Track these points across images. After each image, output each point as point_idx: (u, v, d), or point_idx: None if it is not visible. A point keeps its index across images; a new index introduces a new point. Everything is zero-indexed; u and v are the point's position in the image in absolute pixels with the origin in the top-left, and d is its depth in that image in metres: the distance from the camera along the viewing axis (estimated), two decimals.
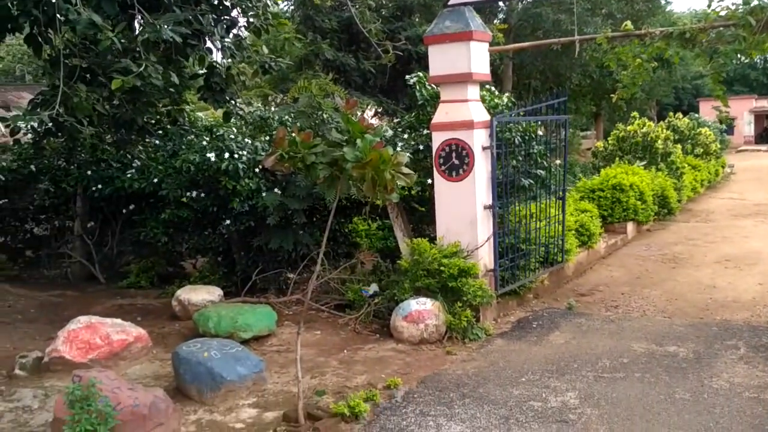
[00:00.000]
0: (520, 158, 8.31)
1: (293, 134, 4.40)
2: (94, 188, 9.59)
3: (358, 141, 4.18)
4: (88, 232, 10.48)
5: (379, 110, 16.28)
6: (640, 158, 16.36)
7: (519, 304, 8.12)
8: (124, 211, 10.14)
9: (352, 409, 4.87)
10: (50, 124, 8.86)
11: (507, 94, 9.19)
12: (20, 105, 13.55)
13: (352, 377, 5.84)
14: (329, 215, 4.95)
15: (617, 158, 16.19)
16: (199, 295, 7.83)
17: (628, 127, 17.62)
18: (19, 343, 6.86)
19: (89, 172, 9.67)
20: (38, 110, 7.48)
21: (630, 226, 12.43)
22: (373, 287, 7.81)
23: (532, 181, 8.40)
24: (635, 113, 19.11)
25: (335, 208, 4.94)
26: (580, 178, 14.45)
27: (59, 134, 9.45)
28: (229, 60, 9.34)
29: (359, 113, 6.69)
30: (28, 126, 8.73)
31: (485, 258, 7.45)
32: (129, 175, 9.27)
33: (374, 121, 13.95)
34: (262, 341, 6.87)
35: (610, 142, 17.97)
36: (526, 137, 8.33)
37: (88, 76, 8.25)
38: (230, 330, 6.63)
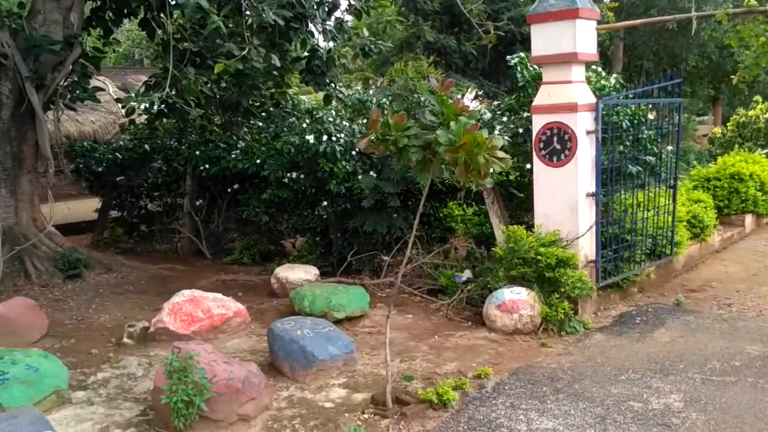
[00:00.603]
0: (628, 143, 7.84)
1: (387, 117, 4.34)
2: (202, 167, 10.05)
3: (452, 124, 4.06)
4: (197, 210, 11.01)
5: (480, 93, 15.94)
6: (762, 146, 15.10)
7: (622, 298, 7.71)
8: (229, 190, 10.57)
9: (440, 396, 4.81)
10: (162, 106, 9.34)
11: (615, 76, 8.69)
12: (136, 87, 14.33)
13: (441, 364, 5.77)
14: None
15: (736, 145, 15.01)
16: (297, 273, 8.02)
17: (750, 113, 16.29)
18: (129, 312, 7.31)
19: (198, 152, 10.13)
20: (150, 92, 7.88)
21: (749, 219, 11.49)
22: (467, 274, 7.67)
23: (640, 168, 7.91)
24: (758, 97, 17.59)
25: (428, 192, 4.85)
26: (694, 166, 13.49)
27: (171, 115, 9.95)
28: (330, 43, 9.43)
29: (457, 96, 6.53)
30: (143, 107, 9.25)
31: (586, 248, 7.11)
32: (234, 156, 9.63)
33: (474, 105, 13.68)
34: (355, 322, 6.93)
35: (729, 128, 16.70)
36: (635, 121, 7.84)
37: (197, 59, 8.60)
38: (324, 309, 6.74)
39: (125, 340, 6.23)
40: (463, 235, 9.24)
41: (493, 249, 7.45)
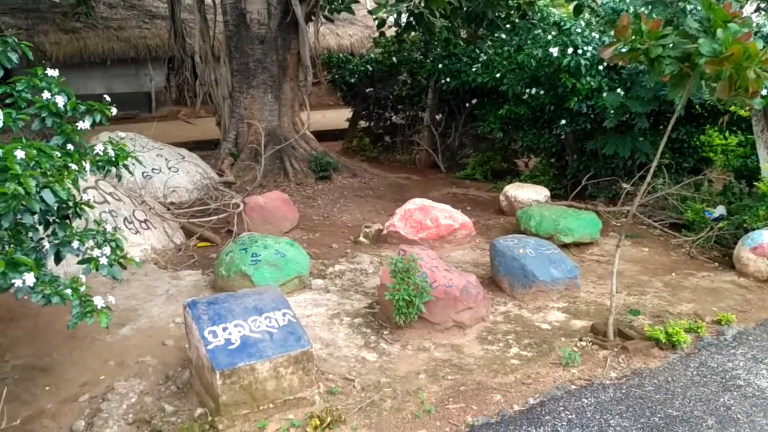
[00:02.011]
0: None
1: (640, 23, 3.87)
2: (443, 81, 10.14)
3: (719, 31, 3.48)
4: (436, 124, 11.25)
5: (763, 5, 13.48)
6: None
7: None
8: (467, 105, 10.57)
9: (669, 336, 4.43)
10: (410, 18, 9.51)
11: None
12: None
13: (675, 303, 5.29)
14: (678, 122, 4.34)
15: None
16: (526, 193, 7.86)
17: None
18: (367, 214, 7.86)
19: (440, 66, 10.21)
20: (398, 3, 8.02)
21: None
22: (720, 210, 6.82)
23: None
24: None
25: (684, 115, 4.30)
26: None
27: (417, 28, 10.10)
28: None
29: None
30: (392, 19, 9.49)
31: None
32: (474, 70, 9.52)
33: (754, 18, 11.63)
34: (583, 248, 6.63)
35: None
36: None
37: None
38: (550, 231, 6.54)
39: (361, 239, 6.73)
40: (721, 168, 8.18)
41: (755, 185, 6.49)
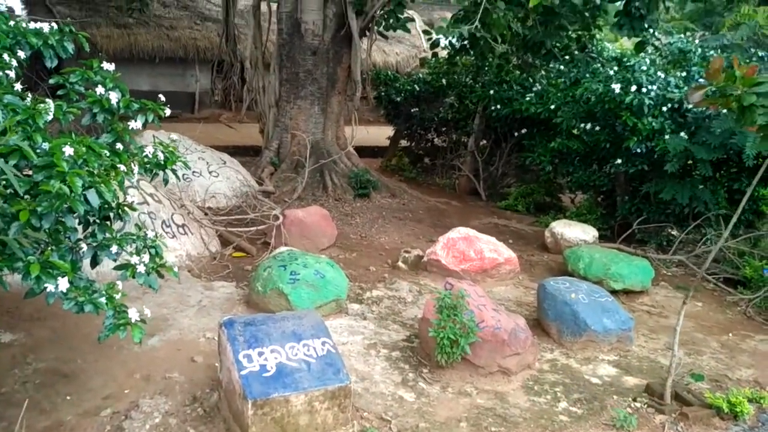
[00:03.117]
0: None
1: (734, 67, 3.58)
2: (492, 108, 9.90)
3: None
4: (480, 150, 11.00)
5: None
6: None
7: None
8: (515, 134, 10.31)
9: (732, 406, 4.08)
10: (465, 41, 9.31)
11: None
12: (441, 24, 14.59)
13: (734, 368, 4.92)
14: (742, 173, 4.01)
15: None
16: (574, 231, 7.54)
17: None
18: (405, 238, 7.60)
19: (491, 92, 9.98)
20: (459, 24, 7.83)
21: None
22: None
23: None
24: None
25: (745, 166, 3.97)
26: None
27: (471, 52, 9.90)
28: None
29: None
30: (445, 42, 9.31)
31: None
32: (527, 99, 9.28)
33: None
34: (633, 297, 6.28)
35: None
36: None
37: None
38: (600, 276, 6.21)
39: (400, 264, 6.47)
40: None
41: None
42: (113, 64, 3.59)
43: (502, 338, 4.24)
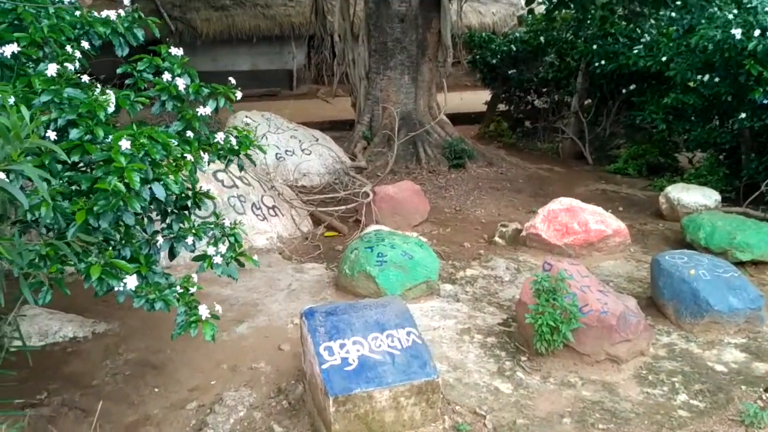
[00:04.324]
0: None
1: None
2: (596, 64, 9.17)
3: None
4: (584, 110, 10.27)
5: None
6: None
7: None
8: (623, 90, 9.51)
9: None
10: None
11: None
12: None
13: None
14: None
15: None
16: (692, 196, 6.82)
17: None
18: (503, 210, 7.19)
19: (594, 47, 9.23)
20: None
21: None
22: None
23: None
24: None
25: None
26: None
27: (571, 5, 9.19)
28: None
29: None
30: None
31: None
32: (635, 52, 8.49)
33: None
34: (763, 269, 5.55)
35: None
36: None
37: None
38: (724, 246, 5.54)
39: (496, 239, 6.10)
40: None
41: None
42: (181, 49, 3.46)
43: (609, 323, 3.82)
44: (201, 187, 3.55)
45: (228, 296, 4.70)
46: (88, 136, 2.78)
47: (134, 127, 2.89)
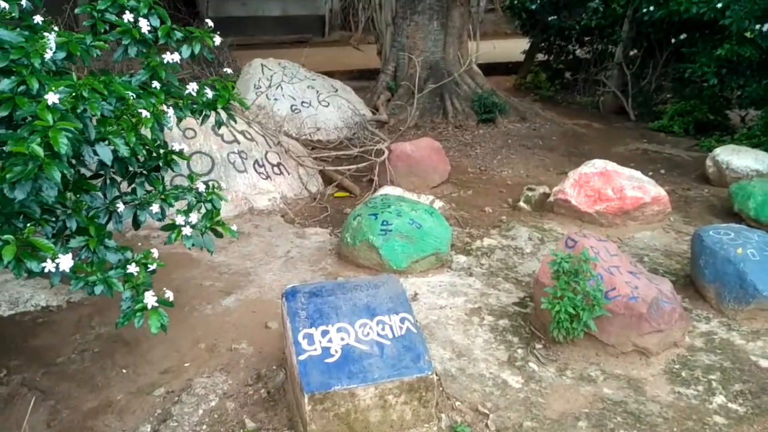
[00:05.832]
0: None
1: None
2: (644, 10, 8.35)
3: None
4: (629, 61, 9.47)
5: None
6: None
7: None
8: (672, 40, 8.67)
9: None
10: None
11: None
12: None
13: None
14: None
15: None
16: (743, 159, 6.15)
17: None
18: (532, 171, 6.62)
19: None
20: None
21: None
22: None
23: None
24: None
25: None
26: None
27: None
28: None
29: None
30: None
31: None
32: None
33: None
34: None
35: None
36: None
37: None
38: None
39: (521, 203, 5.57)
40: None
41: None
42: None
43: (638, 311, 3.32)
44: (173, 146, 3.14)
45: (220, 263, 4.34)
46: (21, 87, 2.37)
47: (73, 76, 2.46)
